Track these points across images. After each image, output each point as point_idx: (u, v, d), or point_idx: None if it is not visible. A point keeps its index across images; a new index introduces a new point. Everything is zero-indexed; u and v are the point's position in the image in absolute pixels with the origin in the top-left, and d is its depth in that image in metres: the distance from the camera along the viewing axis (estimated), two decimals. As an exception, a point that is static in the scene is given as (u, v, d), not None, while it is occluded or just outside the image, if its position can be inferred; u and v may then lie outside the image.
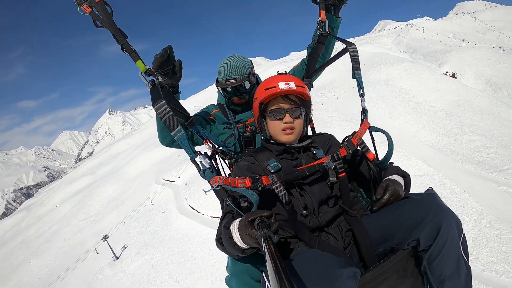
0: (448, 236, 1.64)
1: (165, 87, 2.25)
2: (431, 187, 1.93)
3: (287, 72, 2.77)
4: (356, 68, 2.23)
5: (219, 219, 2.08)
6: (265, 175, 1.98)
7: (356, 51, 2.27)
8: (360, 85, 2.23)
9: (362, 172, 2.27)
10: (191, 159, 2.11)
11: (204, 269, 31.14)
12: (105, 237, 45.44)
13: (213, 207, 40.77)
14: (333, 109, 55.84)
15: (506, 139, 42.47)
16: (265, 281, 1.56)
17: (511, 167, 36.72)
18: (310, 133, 2.66)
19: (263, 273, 1.60)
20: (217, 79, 2.87)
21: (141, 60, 2.06)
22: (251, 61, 2.92)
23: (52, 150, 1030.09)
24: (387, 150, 2.15)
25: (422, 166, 36.79)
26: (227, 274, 2.45)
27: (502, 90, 55.62)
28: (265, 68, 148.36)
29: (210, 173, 1.99)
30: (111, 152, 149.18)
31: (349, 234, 2.02)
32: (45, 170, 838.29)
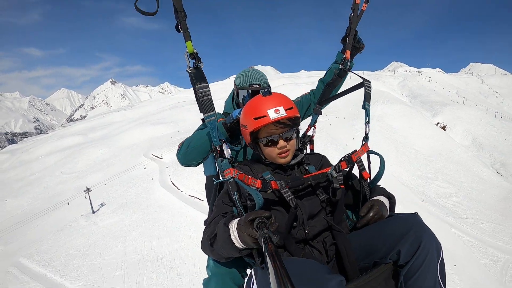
0: (427, 255, 1.66)
1: (202, 71, 2.30)
2: (417, 212, 1.91)
3: (295, 100, 3.19)
4: (367, 100, 2.40)
5: (206, 222, 2.19)
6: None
7: (371, 87, 2.45)
8: (367, 115, 2.39)
9: (350, 193, 2.34)
10: (214, 145, 2.28)
11: (171, 236, 34.67)
12: (88, 190, 48.11)
13: (192, 188, 44.15)
14: (322, 131, 58.73)
15: (474, 193, 46.78)
16: (251, 277, 1.63)
17: (470, 217, 41.03)
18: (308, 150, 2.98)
19: (252, 270, 1.68)
20: (236, 85, 3.07)
21: (191, 42, 2.14)
22: None
23: (46, 104, 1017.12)
24: (378, 170, 2.24)
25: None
26: (206, 276, 2.52)
27: (484, 150, 59.99)
28: (273, 78, 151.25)
29: (227, 163, 2.09)
30: (105, 120, 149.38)
31: (332, 248, 2.06)
32: (34, 121, 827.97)
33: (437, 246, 1.70)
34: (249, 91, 2.97)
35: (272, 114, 2.00)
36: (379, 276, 1.78)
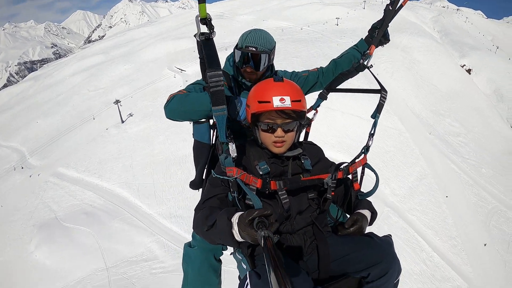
0: (389, 279, 2.02)
1: (214, 43, 2.25)
2: (390, 235, 2.21)
3: (299, 75, 3.17)
4: (379, 111, 2.41)
5: (199, 203, 2.20)
6: (254, 175, 2.12)
7: (385, 98, 2.46)
8: (374, 126, 2.42)
9: (338, 193, 2.51)
10: (220, 141, 2.24)
11: (194, 138, 39.13)
12: (117, 101, 52.58)
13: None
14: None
15: (482, 140, 50.25)
16: (246, 280, 1.77)
17: (472, 159, 45.09)
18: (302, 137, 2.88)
19: (247, 273, 1.81)
20: (237, 45, 2.85)
21: (205, 5, 2.06)
22: (275, 42, 2.92)
23: (62, 28, 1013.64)
24: (373, 187, 2.35)
25: (397, 123, 45.43)
26: (190, 240, 2.74)
27: (505, 102, 61.72)
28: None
29: (231, 162, 2.05)
30: (125, 37, 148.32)
31: (313, 246, 2.21)
32: (52, 47, 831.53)
33: (399, 271, 2.10)
34: (243, 53, 2.75)
35: (276, 102, 2.05)
36: (345, 285, 2.12)
